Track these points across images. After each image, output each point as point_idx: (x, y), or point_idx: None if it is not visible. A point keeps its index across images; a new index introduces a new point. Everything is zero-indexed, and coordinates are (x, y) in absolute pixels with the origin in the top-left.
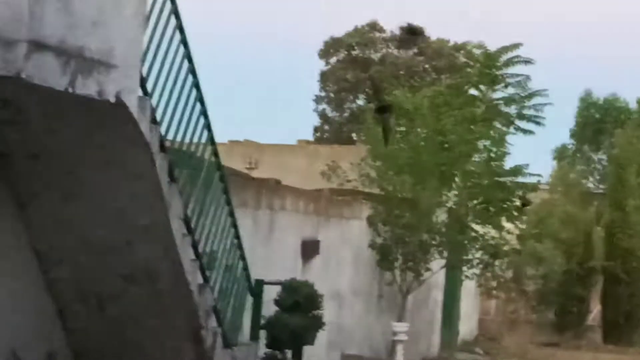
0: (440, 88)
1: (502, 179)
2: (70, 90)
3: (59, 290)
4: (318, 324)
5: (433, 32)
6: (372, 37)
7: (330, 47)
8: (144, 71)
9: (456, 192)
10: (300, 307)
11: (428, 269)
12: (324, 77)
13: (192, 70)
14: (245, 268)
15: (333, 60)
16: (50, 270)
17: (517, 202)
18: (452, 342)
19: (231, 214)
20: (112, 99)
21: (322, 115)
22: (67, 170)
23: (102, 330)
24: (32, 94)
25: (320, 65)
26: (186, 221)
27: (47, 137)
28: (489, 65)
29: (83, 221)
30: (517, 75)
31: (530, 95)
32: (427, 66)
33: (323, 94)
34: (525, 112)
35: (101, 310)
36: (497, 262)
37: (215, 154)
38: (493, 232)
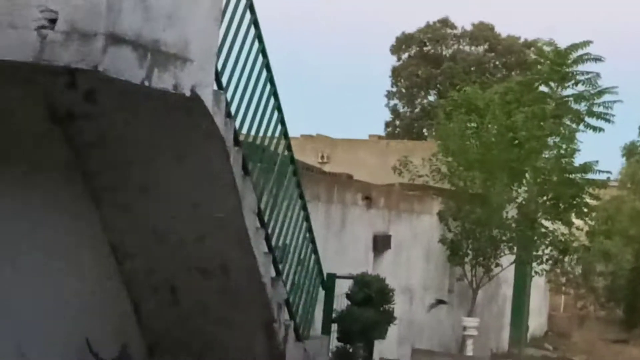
0: (510, 85)
1: (571, 176)
2: (146, 83)
3: (133, 283)
4: (389, 318)
5: (504, 29)
6: (444, 33)
7: (402, 43)
8: (219, 65)
9: (526, 188)
10: (372, 301)
11: (498, 265)
12: (396, 72)
13: (266, 65)
14: (317, 262)
15: (405, 56)
16: (124, 263)
17: (588, 199)
18: (522, 337)
19: (304, 207)
20: (188, 93)
21: (394, 111)
22: (142, 163)
23: (175, 322)
24: (108, 87)
25: (392, 60)
26: (259, 215)
27: (123, 130)
28: (559, 63)
29: (157, 214)
30: (587, 72)
31: (600, 93)
32: (497, 63)
33: (395, 89)
34: (595, 109)
35: (174, 303)
36: (566, 259)
37: (289, 148)
38: (562, 229)
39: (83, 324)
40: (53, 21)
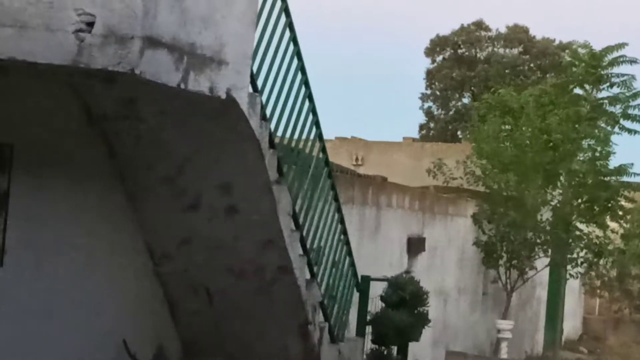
0: (545, 87)
1: (606, 178)
2: (182, 86)
3: (169, 284)
4: (423, 320)
5: (538, 31)
6: (478, 35)
7: (436, 45)
8: (254, 68)
9: (561, 191)
10: (406, 303)
11: (532, 267)
12: (430, 75)
13: (301, 68)
14: (352, 264)
15: (439, 58)
16: (160, 264)
17: (623, 202)
18: (556, 340)
19: (338, 210)
20: (223, 96)
21: (428, 113)
22: (178, 165)
23: (210, 323)
24: (145, 90)
25: (427, 63)
26: (294, 217)
27: (159, 132)
28: (594, 65)
29: (192, 216)
30: (622, 74)
31: (636, 95)
32: (532, 65)
33: (429, 92)
34: (630, 111)
35: (210, 304)
36: (601, 261)
37: (323, 150)
38: (597, 231)
39: (120, 325)
40: (90, 24)
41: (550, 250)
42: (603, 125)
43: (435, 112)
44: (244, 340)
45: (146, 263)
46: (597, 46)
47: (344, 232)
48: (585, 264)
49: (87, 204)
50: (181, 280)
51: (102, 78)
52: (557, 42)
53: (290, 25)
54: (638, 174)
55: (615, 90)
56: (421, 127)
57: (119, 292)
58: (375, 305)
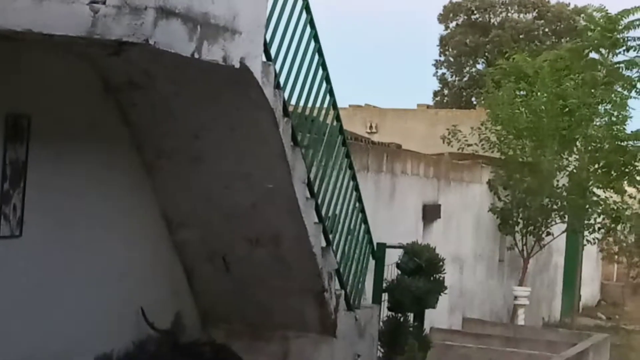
0: (560, 52)
1: (623, 143)
2: (196, 56)
3: (186, 252)
4: (440, 287)
5: None
6: (492, 1)
7: (449, 12)
8: (267, 37)
9: (577, 156)
10: (422, 270)
11: (549, 233)
12: (444, 41)
13: (314, 36)
14: (367, 231)
15: (453, 24)
16: (177, 232)
17: None
18: (574, 306)
19: (353, 177)
20: (237, 65)
21: (442, 80)
22: (193, 134)
23: (227, 291)
24: (159, 60)
25: (440, 29)
26: (309, 185)
27: (173, 102)
28: (610, 29)
29: (208, 184)
30: (639, 38)
31: None
32: (546, 30)
33: (442, 58)
34: None
35: (227, 272)
36: (618, 227)
37: (337, 118)
38: (615, 197)
39: (138, 294)
40: None
41: (567, 216)
42: (619, 89)
43: (449, 79)
44: (261, 308)
45: (163, 231)
46: (613, 10)
47: (359, 199)
48: (602, 230)
49: (104, 174)
50: (198, 249)
51: (116, 48)
52: (571, 6)
53: None
54: None
55: (632, 54)
56: (435, 93)
57: (136, 261)
58: (391, 272)
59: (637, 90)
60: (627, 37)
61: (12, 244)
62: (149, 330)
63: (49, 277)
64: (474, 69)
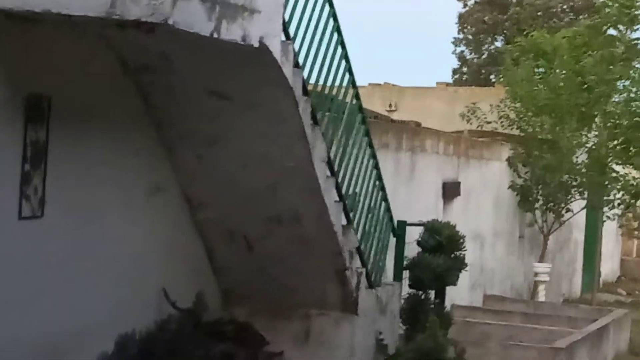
0: (578, 29)
1: None
2: (215, 35)
3: (207, 232)
4: (460, 264)
5: None
6: None
7: None
8: (286, 15)
9: (596, 133)
10: (443, 248)
11: (569, 210)
12: (462, 19)
13: (333, 15)
14: (388, 209)
15: (471, 2)
16: (198, 212)
17: None
18: (594, 282)
19: (373, 156)
20: (256, 44)
21: (461, 58)
22: (212, 114)
23: (249, 270)
24: (178, 40)
25: (458, 7)
26: (329, 163)
27: (193, 82)
28: (628, 5)
29: (229, 164)
30: None
31: None
32: (565, 7)
33: (461, 36)
34: None
35: (248, 251)
36: (638, 203)
37: (357, 96)
38: (634, 173)
39: (159, 274)
40: None
41: (586, 193)
42: (638, 65)
43: (468, 57)
44: (283, 287)
45: (184, 211)
46: None
47: (379, 177)
48: (622, 206)
49: (124, 154)
50: (219, 228)
51: (135, 29)
52: None
53: None
54: None
55: None
56: (454, 71)
57: (158, 240)
58: (411, 250)
59: None
60: None
61: (33, 224)
62: (170, 310)
63: (70, 257)
64: (492, 47)
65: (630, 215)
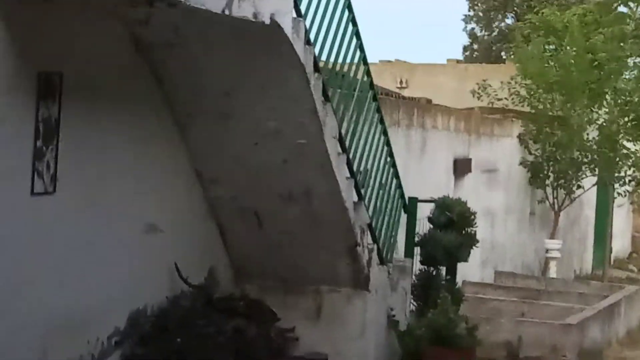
0: (589, 6)
1: None
2: (226, 12)
3: (219, 209)
4: (471, 241)
5: None
6: None
7: None
8: None
9: (607, 110)
10: (454, 224)
11: (580, 187)
12: None
13: None
14: (399, 186)
15: None
16: (209, 189)
17: None
18: (605, 259)
19: (384, 132)
20: (267, 21)
21: (471, 35)
22: (224, 91)
23: (260, 246)
24: (190, 16)
25: None
26: (340, 140)
27: (205, 59)
28: None
29: (240, 141)
30: None
31: None
32: None
33: (472, 13)
34: None
35: (260, 227)
36: None
37: (368, 73)
38: None
39: (171, 250)
40: None
41: (597, 169)
42: None
43: (479, 34)
44: (295, 263)
45: (195, 188)
46: None
47: (390, 154)
48: (632, 182)
49: (136, 131)
50: (230, 205)
51: (148, 6)
52: None
53: None
54: None
55: None
56: (465, 48)
57: (169, 217)
58: (423, 226)
59: None
60: None
61: (46, 200)
62: (182, 286)
63: (82, 233)
64: (503, 24)
65: None
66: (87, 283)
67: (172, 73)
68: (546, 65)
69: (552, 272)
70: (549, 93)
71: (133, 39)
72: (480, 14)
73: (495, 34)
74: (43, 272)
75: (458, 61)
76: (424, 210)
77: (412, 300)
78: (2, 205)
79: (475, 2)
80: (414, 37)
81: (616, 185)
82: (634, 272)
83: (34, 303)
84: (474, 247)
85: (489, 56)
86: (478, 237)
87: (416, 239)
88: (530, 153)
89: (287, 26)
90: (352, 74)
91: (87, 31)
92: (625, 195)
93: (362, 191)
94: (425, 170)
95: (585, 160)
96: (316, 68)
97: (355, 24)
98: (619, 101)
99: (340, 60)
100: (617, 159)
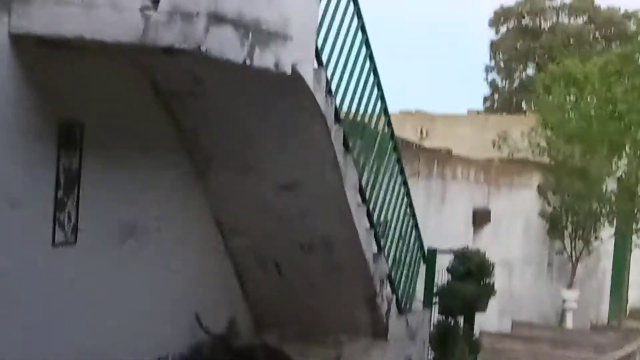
0: (610, 57)
1: None
2: (247, 62)
3: (238, 258)
4: (489, 291)
5: (604, 1)
6: (542, 5)
7: (500, 16)
8: (319, 42)
9: (626, 161)
10: (472, 275)
11: (597, 238)
12: (494, 46)
13: (365, 42)
14: (418, 237)
15: (503, 29)
16: (230, 238)
17: None
18: (621, 310)
19: (404, 183)
20: (289, 71)
21: (492, 85)
22: (245, 140)
23: (280, 296)
24: (210, 66)
25: (491, 34)
26: (361, 191)
27: (225, 108)
28: None
29: (259, 191)
30: None
31: None
32: (597, 35)
33: (493, 63)
34: None
35: (279, 278)
36: None
37: (389, 124)
38: None
39: (192, 299)
40: (156, 2)
41: (615, 221)
42: None
43: (500, 84)
44: (314, 313)
45: (216, 237)
46: None
47: (410, 205)
48: None
49: (156, 180)
50: (250, 254)
51: (168, 55)
52: (622, 11)
53: None
54: None
55: None
56: (485, 99)
57: (190, 266)
58: (441, 277)
59: None
60: None
61: (67, 251)
62: (203, 335)
63: (103, 283)
64: (524, 74)
65: None
66: (108, 332)
67: (192, 121)
68: (566, 115)
69: (569, 323)
70: (569, 144)
71: (153, 87)
72: (502, 64)
73: (516, 84)
74: (64, 323)
75: (478, 112)
76: (443, 261)
77: (430, 350)
78: (23, 257)
79: (497, 52)
80: (435, 87)
81: (634, 237)
82: None
83: (55, 352)
84: (491, 297)
85: (510, 106)
86: (496, 287)
87: (435, 289)
88: (549, 204)
89: (308, 76)
90: (373, 125)
91: (108, 79)
92: None
93: (382, 242)
94: (444, 220)
95: (603, 211)
96: (337, 118)
97: (376, 74)
98: (638, 153)
99: (361, 110)
100: (635, 211)
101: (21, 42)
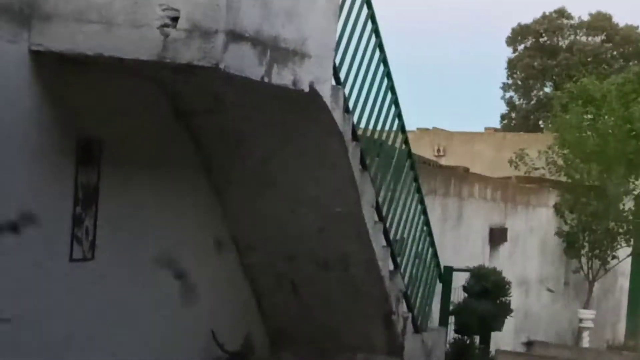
0: (628, 75)
1: None
2: (266, 80)
3: (255, 275)
4: (506, 310)
5: (622, 19)
6: (560, 23)
7: (517, 35)
8: (337, 60)
9: None
10: (489, 293)
11: (614, 257)
12: (512, 64)
13: (383, 59)
14: (435, 255)
15: (521, 47)
16: (246, 255)
17: None
18: (638, 329)
19: (421, 201)
20: (306, 89)
21: (509, 103)
22: (262, 157)
23: (296, 314)
24: (229, 84)
25: (508, 52)
26: (377, 209)
27: (243, 126)
28: None
29: (277, 208)
30: None
31: None
32: (615, 53)
33: (510, 81)
34: None
35: (295, 295)
36: None
37: (406, 142)
38: None
39: (208, 316)
40: (175, 19)
41: (632, 240)
42: None
43: (517, 102)
44: (330, 330)
45: (232, 255)
46: None
47: (427, 223)
48: None
49: (173, 198)
50: (266, 272)
51: (187, 73)
52: None
53: (372, 16)
54: None
55: None
56: (503, 117)
57: (206, 283)
58: (457, 295)
59: None
60: None
61: (84, 267)
62: (219, 352)
63: (120, 300)
64: (541, 92)
65: None
66: (125, 349)
67: (210, 138)
68: (584, 134)
69: (585, 342)
70: (586, 163)
71: (172, 104)
72: (519, 82)
73: (533, 102)
74: (80, 339)
75: (496, 130)
76: (460, 279)
77: None
78: (41, 272)
79: (514, 71)
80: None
81: None
82: None
83: None
84: (508, 316)
85: (527, 125)
86: (512, 306)
87: (451, 307)
88: (566, 223)
89: (326, 94)
90: (390, 142)
91: (127, 96)
92: None
93: (398, 260)
94: (461, 238)
95: (620, 230)
96: (354, 136)
97: (394, 92)
98: None
99: (378, 127)
100: None
101: (41, 59)
